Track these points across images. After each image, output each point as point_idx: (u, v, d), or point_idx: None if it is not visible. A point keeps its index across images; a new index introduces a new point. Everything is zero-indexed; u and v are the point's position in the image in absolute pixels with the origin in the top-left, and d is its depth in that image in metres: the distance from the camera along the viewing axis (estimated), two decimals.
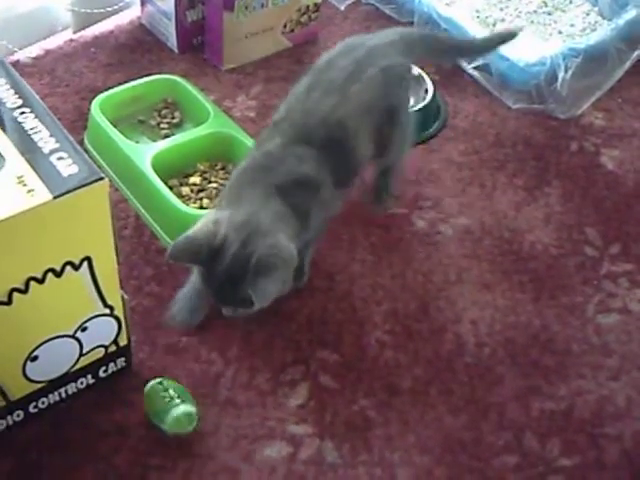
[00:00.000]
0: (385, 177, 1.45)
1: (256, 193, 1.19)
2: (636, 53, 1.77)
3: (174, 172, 1.47)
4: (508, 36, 1.51)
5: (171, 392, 1.14)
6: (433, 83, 1.70)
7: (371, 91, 1.29)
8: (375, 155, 1.34)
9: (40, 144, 0.99)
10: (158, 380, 1.16)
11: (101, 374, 1.18)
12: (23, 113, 1.03)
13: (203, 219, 1.17)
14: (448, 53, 1.57)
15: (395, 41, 1.37)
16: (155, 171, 1.40)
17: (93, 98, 1.55)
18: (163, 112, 1.62)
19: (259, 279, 1.12)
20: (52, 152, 0.98)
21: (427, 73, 1.73)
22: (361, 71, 1.29)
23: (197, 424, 1.14)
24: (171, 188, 1.41)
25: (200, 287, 1.22)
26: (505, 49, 1.69)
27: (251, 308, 1.14)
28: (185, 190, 1.44)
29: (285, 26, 1.82)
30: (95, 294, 1.07)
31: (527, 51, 1.71)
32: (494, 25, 1.85)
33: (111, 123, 1.50)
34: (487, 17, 1.86)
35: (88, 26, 1.85)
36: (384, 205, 1.47)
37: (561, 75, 1.67)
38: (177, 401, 1.13)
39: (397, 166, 1.46)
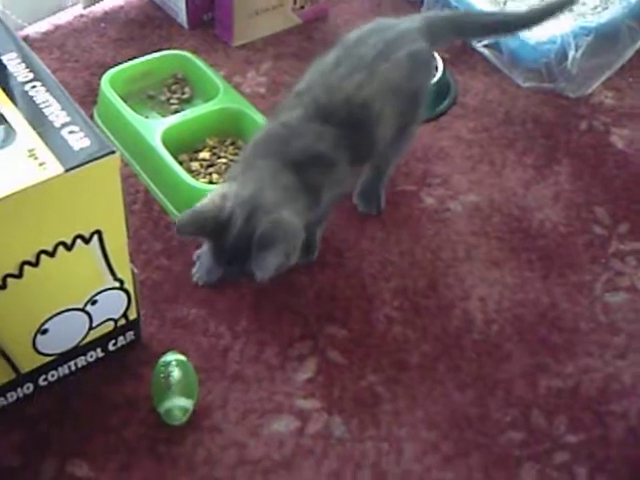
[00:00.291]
0: (379, 174, 1.42)
1: (268, 166, 1.19)
2: None
3: (184, 147, 1.47)
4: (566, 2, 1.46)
5: (172, 379, 1.13)
6: (443, 61, 1.70)
7: (399, 72, 1.28)
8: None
9: (51, 118, 0.99)
10: (165, 361, 1.15)
11: (110, 347, 1.19)
12: (34, 87, 1.03)
13: (212, 192, 1.17)
14: (485, 31, 1.54)
15: (422, 27, 1.35)
16: (165, 146, 1.40)
17: (103, 73, 1.55)
18: (173, 87, 1.62)
19: (261, 253, 1.12)
20: (63, 126, 0.98)
21: (437, 51, 1.72)
22: (390, 52, 1.28)
23: (191, 416, 1.14)
24: (181, 163, 1.41)
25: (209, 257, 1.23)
26: None
27: (255, 280, 1.15)
28: (195, 165, 1.45)
29: (295, 2, 1.82)
30: (105, 267, 1.08)
31: (538, 29, 1.70)
32: (504, 3, 1.84)
33: (121, 98, 1.50)
34: None
35: (98, 1, 1.84)
36: (375, 205, 1.45)
37: (571, 54, 1.66)
38: (175, 392, 1.12)
39: (396, 160, 1.44)
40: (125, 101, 1.51)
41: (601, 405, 1.21)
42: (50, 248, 0.99)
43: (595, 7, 1.84)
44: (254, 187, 1.16)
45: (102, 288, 1.10)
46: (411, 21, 1.36)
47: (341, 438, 1.14)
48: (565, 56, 1.67)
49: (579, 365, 1.25)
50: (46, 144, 0.96)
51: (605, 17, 1.73)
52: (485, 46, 1.76)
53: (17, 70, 1.05)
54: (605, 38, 1.71)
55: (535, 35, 1.68)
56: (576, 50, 1.67)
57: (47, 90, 1.03)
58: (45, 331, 1.08)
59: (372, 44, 1.28)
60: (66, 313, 1.08)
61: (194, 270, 1.31)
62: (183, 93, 1.61)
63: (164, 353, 1.16)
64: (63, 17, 1.82)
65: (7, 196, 0.91)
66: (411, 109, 1.34)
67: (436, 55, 1.69)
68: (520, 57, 1.72)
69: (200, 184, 1.37)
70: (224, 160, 1.46)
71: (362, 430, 1.15)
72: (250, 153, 1.23)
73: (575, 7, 1.82)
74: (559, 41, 1.67)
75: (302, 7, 1.83)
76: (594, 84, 1.73)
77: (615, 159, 1.59)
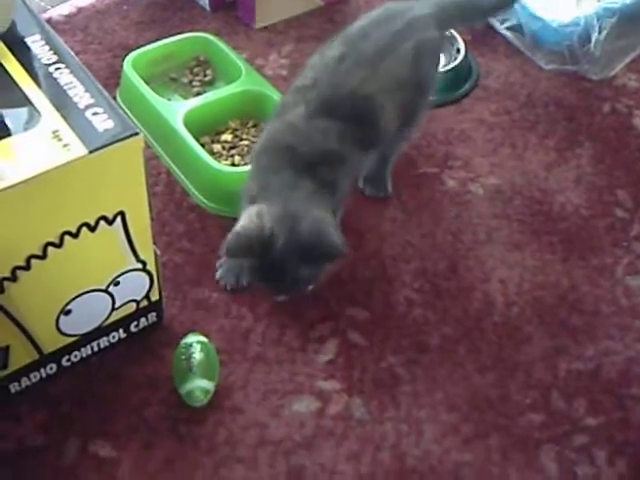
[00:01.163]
0: (385, 159, 1.42)
1: (285, 176, 1.18)
2: None
3: (206, 129, 1.48)
4: None
5: (193, 361, 1.13)
6: (465, 43, 1.69)
7: (403, 67, 1.27)
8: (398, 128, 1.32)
9: (75, 99, 1.00)
10: (186, 343, 1.16)
11: (132, 329, 1.20)
12: (58, 69, 1.04)
13: (245, 214, 1.17)
14: (484, 13, 1.52)
15: (435, 13, 1.33)
16: (187, 128, 1.41)
17: (125, 56, 1.56)
18: (195, 70, 1.62)
19: (310, 265, 1.16)
20: (87, 107, 0.99)
21: (459, 33, 1.72)
22: (395, 45, 1.27)
23: (212, 397, 1.15)
24: (203, 145, 1.42)
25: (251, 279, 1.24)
26: (538, 9, 1.68)
27: (304, 291, 1.19)
28: (217, 147, 1.45)
29: None
30: (128, 249, 1.08)
31: (561, 11, 1.70)
32: None
33: (143, 81, 1.51)
34: None
35: None
36: (383, 189, 1.44)
37: (595, 36, 1.66)
38: (196, 373, 1.13)
39: (402, 146, 1.43)
40: (147, 83, 1.51)
41: (621, 388, 1.21)
42: (74, 229, 1.00)
43: None
44: (281, 202, 1.16)
45: (125, 269, 1.11)
46: (422, 6, 1.34)
47: (361, 419, 1.15)
48: (588, 38, 1.66)
49: (599, 348, 1.25)
50: (70, 126, 0.97)
51: None
52: (507, 28, 1.75)
53: (41, 52, 1.06)
54: (629, 20, 1.70)
55: (558, 17, 1.67)
56: (599, 32, 1.66)
57: (71, 72, 1.03)
58: (68, 312, 1.09)
59: (376, 38, 1.26)
60: (89, 294, 1.09)
61: (219, 274, 1.30)
62: (205, 75, 1.61)
63: (185, 335, 1.17)
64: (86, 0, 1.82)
65: (32, 177, 0.91)
66: (417, 99, 1.33)
67: (458, 37, 1.69)
68: (543, 39, 1.71)
69: (222, 166, 1.37)
70: (246, 142, 1.46)
71: (382, 411, 1.16)
72: (262, 166, 1.23)
73: None
74: (582, 23, 1.66)
75: None
76: (617, 66, 1.72)
77: (638, 142, 1.58)
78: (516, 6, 1.69)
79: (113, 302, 1.13)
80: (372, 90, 1.23)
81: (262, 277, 1.20)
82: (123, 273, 1.11)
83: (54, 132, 0.96)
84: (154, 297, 1.19)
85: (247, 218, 1.15)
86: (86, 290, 1.08)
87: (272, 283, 1.21)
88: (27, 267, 0.99)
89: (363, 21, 1.31)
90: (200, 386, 1.12)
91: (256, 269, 1.18)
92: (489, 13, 1.58)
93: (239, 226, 1.15)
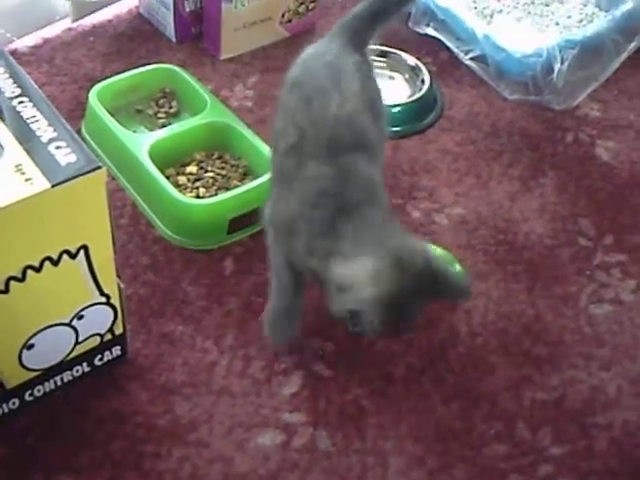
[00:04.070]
0: None
1: (356, 221, 1.11)
2: (632, 45, 1.76)
3: (171, 161, 1.47)
4: None
5: None
6: (429, 73, 1.71)
7: (358, 83, 1.24)
8: None
9: (38, 133, 1.00)
10: None
11: (97, 362, 1.19)
12: (21, 102, 1.04)
13: (362, 276, 1.06)
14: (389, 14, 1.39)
15: (344, 41, 1.30)
16: (152, 160, 1.41)
17: (91, 87, 1.55)
18: (161, 101, 1.62)
19: (447, 290, 1.11)
20: (50, 141, 0.99)
21: (424, 63, 1.74)
22: (340, 69, 1.24)
23: None
24: (168, 177, 1.42)
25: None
26: (502, 40, 1.70)
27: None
28: (182, 179, 1.45)
29: (283, 16, 1.83)
30: (91, 282, 1.08)
31: (524, 42, 1.71)
32: (491, 16, 1.85)
33: (109, 112, 1.51)
34: (484, 8, 1.86)
35: (87, 15, 1.85)
36: None
37: (557, 66, 1.67)
38: None
39: None
40: (113, 115, 1.51)
41: (586, 417, 1.22)
42: (36, 263, 1.00)
43: (580, 20, 1.86)
44: (376, 246, 1.08)
45: (88, 303, 1.10)
46: (334, 37, 1.32)
47: (326, 451, 1.15)
48: (551, 69, 1.68)
49: (564, 377, 1.26)
50: (33, 159, 0.96)
51: (590, 30, 1.74)
52: (472, 59, 1.77)
53: (4, 85, 1.05)
54: (590, 51, 1.72)
55: (521, 48, 1.69)
56: (562, 63, 1.67)
57: (34, 105, 1.03)
58: (31, 346, 1.08)
59: (321, 72, 1.24)
60: (52, 328, 1.08)
61: (267, 331, 1.24)
62: (171, 107, 1.61)
63: (150, 368, 1.16)
64: (52, 31, 1.82)
65: None
66: (378, 123, 1.28)
67: (422, 68, 1.71)
68: (506, 70, 1.73)
69: (187, 198, 1.37)
70: (211, 174, 1.46)
71: (347, 444, 1.16)
72: (317, 223, 1.13)
73: (561, 20, 1.85)
74: (545, 54, 1.68)
75: (289, 21, 1.84)
76: (580, 96, 1.74)
77: (600, 171, 1.60)
78: (480, 37, 1.71)
79: (77, 336, 1.13)
80: (351, 110, 1.20)
81: (388, 327, 1.10)
82: (87, 307, 1.10)
83: (17, 166, 0.96)
84: (118, 331, 1.18)
85: (369, 279, 1.05)
86: (49, 324, 1.08)
87: (397, 327, 1.12)
88: None
89: (296, 70, 1.28)
90: None
91: (381, 322, 1.08)
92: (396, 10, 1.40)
93: (372, 292, 1.05)
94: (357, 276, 1.06)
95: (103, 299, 1.11)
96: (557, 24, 1.85)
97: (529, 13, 1.88)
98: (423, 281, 1.07)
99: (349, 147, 1.17)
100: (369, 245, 1.09)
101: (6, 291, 0.99)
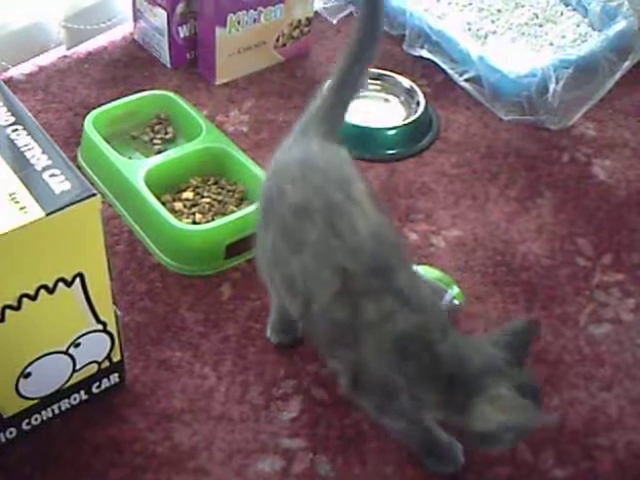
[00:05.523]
0: None
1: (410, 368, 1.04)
2: (626, 64, 1.77)
3: (167, 187, 1.47)
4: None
5: None
6: (425, 95, 1.71)
7: (358, 177, 1.12)
8: None
9: (33, 161, 1.00)
10: None
11: (94, 390, 1.18)
12: (16, 130, 1.04)
13: (508, 407, 1.01)
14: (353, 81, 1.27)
15: (322, 136, 1.16)
16: (148, 187, 1.41)
17: (86, 114, 1.56)
18: (156, 128, 1.62)
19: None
20: (45, 169, 0.99)
21: (419, 86, 1.74)
22: (340, 174, 1.11)
23: None
24: (164, 204, 1.42)
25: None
26: (496, 61, 1.71)
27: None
28: (178, 205, 1.45)
29: (277, 40, 1.83)
30: (88, 310, 1.07)
31: (518, 63, 1.72)
32: (485, 37, 1.86)
33: (104, 139, 1.51)
34: (478, 30, 1.87)
35: (81, 42, 1.85)
36: None
37: (552, 86, 1.68)
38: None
39: None
40: (108, 142, 1.51)
41: (588, 438, 1.21)
42: (32, 292, 0.99)
43: (574, 40, 1.86)
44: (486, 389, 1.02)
45: (85, 331, 1.10)
46: (308, 141, 1.16)
47: (326, 477, 1.14)
48: (546, 89, 1.68)
49: (564, 398, 1.25)
50: (27, 188, 0.97)
51: (584, 50, 1.75)
52: (466, 80, 1.77)
53: None
54: (585, 70, 1.73)
55: (516, 69, 1.70)
56: (557, 83, 1.68)
57: (28, 134, 1.04)
58: (28, 375, 1.07)
59: (330, 183, 1.08)
60: (49, 356, 1.08)
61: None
62: (166, 133, 1.61)
63: (149, 395, 1.16)
64: (47, 58, 1.82)
65: None
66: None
67: (418, 90, 1.71)
68: (501, 91, 1.73)
69: (184, 225, 1.37)
70: (207, 200, 1.46)
71: (348, 469, 1.15)
72: (410, 359, 1.04)
73: (555, 40, 1.85)
74: (539, 74, 1.68)
75: (284, 45, 1.84)
76: (575, 116, 1.74)
77: (597, 190, 1.60)
78: (475, 58, 1.72)
79: (74, 364, 1.12)
80: (375, 215, 1.08)
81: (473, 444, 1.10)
82: (83, 335, 1.10)
83: (11, 195, 0.96)
84: (116, 358, 1.17)
85: (515, 409, 1.01)
86: (46, 352, 1.07)
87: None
88: None
89: (295, 191, 1.09)
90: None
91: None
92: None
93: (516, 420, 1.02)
94: (503, 411, 1.00)
95: (100, 326, 1.11)
96: (551, 44, 1.86)
97: (523, 34, 1.88)
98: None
99: (396, 261, 1.06)
100: (485, 375, 1.02)
101: (2, 320, 0.99)
